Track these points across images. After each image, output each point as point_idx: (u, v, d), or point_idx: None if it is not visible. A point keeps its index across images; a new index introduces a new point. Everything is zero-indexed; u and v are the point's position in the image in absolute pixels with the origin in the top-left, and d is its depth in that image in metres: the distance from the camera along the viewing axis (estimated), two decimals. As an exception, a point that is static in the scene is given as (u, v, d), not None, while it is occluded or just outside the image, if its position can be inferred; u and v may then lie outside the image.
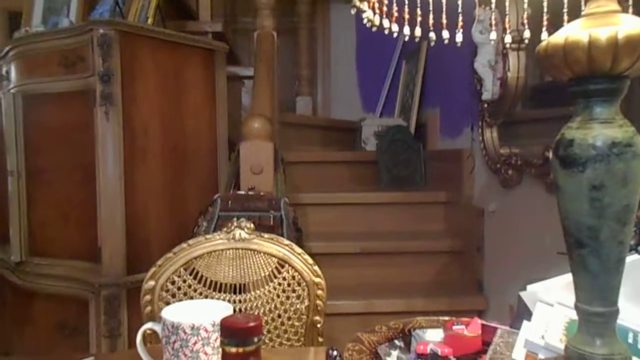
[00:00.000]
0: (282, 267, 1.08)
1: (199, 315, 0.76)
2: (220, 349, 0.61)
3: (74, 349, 1.91)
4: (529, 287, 0.84)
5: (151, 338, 0.93)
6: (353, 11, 0.74)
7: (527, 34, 0.66)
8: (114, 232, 1.84)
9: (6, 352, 2.20)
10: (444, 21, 0.67)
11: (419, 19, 0.69)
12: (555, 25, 0.63)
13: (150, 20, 2.05)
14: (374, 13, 0.72)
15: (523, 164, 1.86)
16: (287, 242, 1.09)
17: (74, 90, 1.91)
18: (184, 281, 1.06)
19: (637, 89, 1.19)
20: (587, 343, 0.61)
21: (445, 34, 0.68)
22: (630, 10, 0.62)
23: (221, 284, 1.08)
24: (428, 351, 0.79)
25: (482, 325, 0.84)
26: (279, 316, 1.08)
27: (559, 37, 0.58)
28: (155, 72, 1.97)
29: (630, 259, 0.71)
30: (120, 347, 1.84)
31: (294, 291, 1.08)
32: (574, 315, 0.65)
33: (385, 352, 0.82)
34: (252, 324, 0.60)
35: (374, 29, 0.73)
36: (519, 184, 1.93)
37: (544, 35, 0.63)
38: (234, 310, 0.89)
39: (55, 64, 1.94)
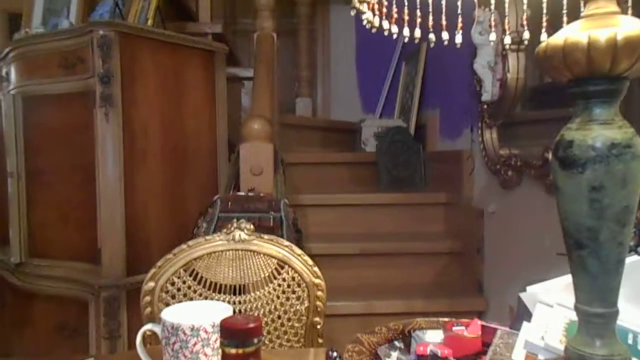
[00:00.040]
0: (282, 268, 1.08)
1: (199, 316, 0.76)
2: (220, 350, 0.61)
3: (73, 351, 1.91)
4: (528, 288, 0.84)
5: (151, 339, 0.93)
6: (353, 12, 0.75)
7: (526, 35, 0.66)
8: (114, 233, 1.84)
9: (6, 354, 2.19)
10: (444, 22, 0.67)
11: (418, 20, 0.69)
12: (554, 26, 0.63)
13: (150, 22, 2.05)
14: (374, 14, 0.72)
15: (523, 165, 1.86)
16: (287, 243, 1.09)
17: (73, 91, 1.91)
18: (184, 282, 1.06)
19: (636, 90, 1.19)
20: (586, 344, 0.61)
21: (445, 35, 0.68)
22: (630, 11, 0.63)
23: (221, 285, 1.08)
24: (428, 352, 0.79)
25: (482, 326, 0.84)
26: (279, 317, 1.08)
27: (559, 39, 0.58)
28: (155, 73, 1.98)
29: (630, 260, 0.71)
30: (120, 348, 1.83)
31: (293, 292, 1.08)
32: (573, 316, 0.65)
33: (385, 353, 0.82)
34: (251, 325, 0.60)
35: (374, 30, 0.73)
36: (519, 185, 1.93)
37: (544, 36, 0.63)
38: (234, 312, 0.89)
39: (55, 66, 1.94)
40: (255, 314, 1.07)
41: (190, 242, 1.08)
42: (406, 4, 0.69)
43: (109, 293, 1.82)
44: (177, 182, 2.04)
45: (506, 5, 0.64)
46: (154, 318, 1.01)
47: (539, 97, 1.88)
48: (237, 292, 1.08)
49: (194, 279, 1.07)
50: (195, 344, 0.73)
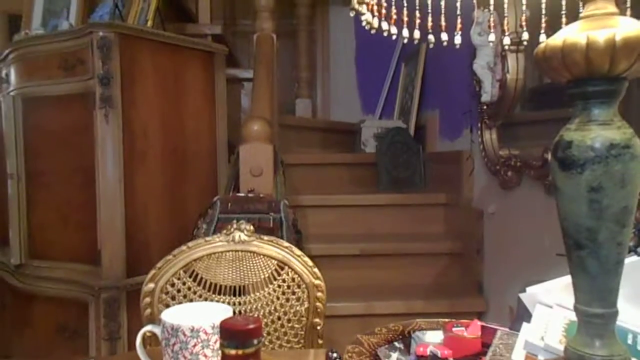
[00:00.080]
0: (282, 269, 1.08)
1: (199, 317, 0.76)
2: (219, 351, 0.61)
3: (73, 352, 1.91)
4: (528, 288, 0.84)
5: (151, 340, 0.93)
6: (352, 14, 0.75)
7: (525, 36, 0.66)
8: (114, 234, 1.84)
9: (6, 355, 2.19)
10: (443, 23, 0.67)
11: (417, 21, 0.69)
12: (553, 27, 0.64)
13: (149, 23, 2.05)
14: (373, 15, 0.72)
15: (522, 166, 1.87)
16: (286, 244, 1.09)
17: (73, 92, 1.91)
18: (184, 283, 1.06)
19: (635, 91, 1.19)
20: (586, 344, 0.61)
21: (444, 36, 0.68)
22: (628, 12, 0.63)
23: (221, 286, 1.08)
24: (428, 353, 0.79)
25: (482, 326, 0.84)
26: (279, 318, 1.08)
27: (557, 39, 0.58)
28: (155, 74, 1.98)
29: (629, 260, 0.71)
30: (120, 349, 1.83)
31: (293, 293, 1.08)
32: (573, 316, 0.65)
33: (385, 354, 0.82)
34: (251, 326, 0.60)
35: (373, 31, 0.73)
36: (518, 185, 1.93)
37: (543, 37, 0.63)
38: (234, 313, 0.89)
39: (55, 67, 1.94)
40: (255, 315, 1.07)
41: (190, 243, 1.08)
42: (405, 5, 0.69)
43: (109, 294, 1.82)
44: (177, 183, 2.04)
45: (505, 6, 0.64)
46: (154, 319, 1.01)
47: (539, 98, 1.88)
48: (237, 293, 1.08)
49: (194, 280, 1.07)
50: (195, 345, 0.73)
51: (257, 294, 1.08)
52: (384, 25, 0.72)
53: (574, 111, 0.61)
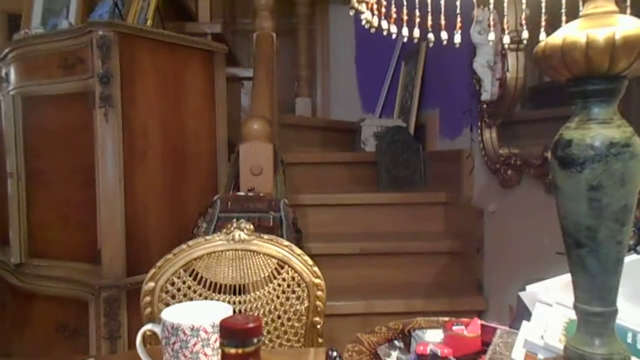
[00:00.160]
0: (282, 268, 1.08)
1: (199, 316, 0.76)
2: (219, 350, 0.61)
3: (73, 351, 1.91)
4: (528, 287, 0.84)
5: (151, 339, 0.93)
6: (352, 12, 0.75)
7: (525, 34, 0.66)
8: (114, 233, 1.84)
9: (6, 354, 2.19)
10: (443, 22, 0.67)
11: (417, 20, 0.69)
12: (553, 25, 0.63)
13: (149, 22, 2.05)
14: (373, 14, 0.72)
15: (522, 165, 1.87)
16: (286, 243, 1.09)
17: (73, 92, 1.91)
18: (184, 282, 1.06)
19: (635, 90, 1.19)
20: (586, 343, 0.61)
21: (444, 34, 0.68)
22: (628, 11, 0.63)
23: (221, 285, 1.08)
24: (428, 352, 0.79)
25: (482, 325, 0.84)
26: (279, 317, 1.08)
27: (557, 38, 0.58)
28: (155, 73, 1.98)
29: (629, 259, 0.71)
30: (120, 348, 1.84)
31: (293, 292, 1.08)
32: (573, 315, 0.66)
33: (385, 352, 0.82)
34: (251, 325, 0.60)
35: (373, 30, 0.73)
36: (518, 184, 1.93)
37: (542, 35, 0.63)
38: (234, 312, 0.89)
39: (55, 66, 1.94)
40: (255, 314, 1.07)
41: (190, 242, 1.08)
42: (405, 3, 0.69)
43: (109, 293, 1.82)
44: (177, 182, 2.04)
45: (505, 4, 0.64)
46: (154, 318, 1.01)
47: (538, 97, 1.88)
48: (237, 292, 1.08)
49: (194, 279, 1.07)
50: (195, 344, 0.73)
51: (257, 292, 1.08)
52: (384, 24, 0.72)
53: (573, 110, 0.61)
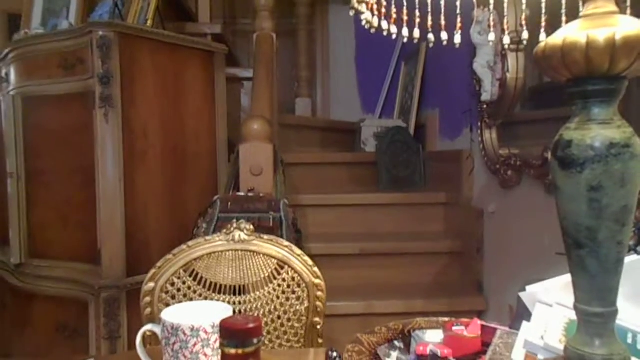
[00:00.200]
0: (282, 268, 1.08)
1: (199, 316, 0.76)
2: (219, 351, 0.61)
3: (73, 351, 1.91)
4: (528, 288, 0.84)
5: (151, 340, 0.93)
6: (352, 13, 0.75)
7: (525, 35, 0.66)
8: (114, 234, 1.84)
9: (6, 354, 2.19)
10: (443, 22, 0.67)
11: (417, 20, 0.69)
12: (553, 26, 0.63)
13: (149, 22, 2.05)
14: (373, 15, 0.72)
15: (522, 165, 1.87)
16: (286, 243, 1.09)
17: (73, 92, 1.91)
18: (184, 283, 1.06)
19: (635, 90, 1.19)
20: (586, 343, 0.61)
21: (444, 35, 0.68)
22: (628, 11, 0.63)
23: (221, 285, 1.08)
24: (428, 352, 0.79)
25: (482, 326, 0.84)
26: (279, 317, 1.08)
27: (557, 38, 0.58)
28: (155, 74, 1.98)
29: (629, 259, 0.71)
30: (120, 349, 1.83)
31: (293, 292, 1.08)
32: (573, 315, 0.66)
33: (385, 353, 0.82)
34: (251, 326, 0.60)
35: (373, 30, 0.73)
36: (518, 184, 1.93)
37: (542, 36, 0.63)
38: (234, 312, 0.89)
39: (55, 66, 1.94)
40: (255, 314, 1.07)
41: (190, 243, 1.08)
42: (405, 4, 0.69)
43: (109, 294, 1.82)
44: (177, 183, 2.04)
45: (505, 5, 0.64)
46: (154, 318, 1.01)
47: (539, 97, 1.88)
48: (237, 292, 1.08)
49: (194, 280, 1.07)
50: (195, 345, 0.73)
51: (257, 293, 1.08)
52: (384, 25, 0.72)
53: (573, 110, 0.61)
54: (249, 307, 1.08)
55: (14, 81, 2.08)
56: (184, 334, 0.73)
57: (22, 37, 2.10)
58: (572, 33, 0.57)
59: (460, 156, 2.40)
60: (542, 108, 1.87)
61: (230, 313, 0.79)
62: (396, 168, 2.89)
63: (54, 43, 1.95)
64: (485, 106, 2.09)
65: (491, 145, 2.11)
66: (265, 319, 1.07)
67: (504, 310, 1.95)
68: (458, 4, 0.66)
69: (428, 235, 2.51)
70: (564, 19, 0.64)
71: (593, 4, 0.59)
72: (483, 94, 2.05)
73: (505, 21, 0.66)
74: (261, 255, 1.09)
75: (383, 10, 0.71)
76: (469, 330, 0.83)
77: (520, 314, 0.83)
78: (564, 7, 0.64)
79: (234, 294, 1.08)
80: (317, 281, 1.07)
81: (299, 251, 1.09)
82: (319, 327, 1.08)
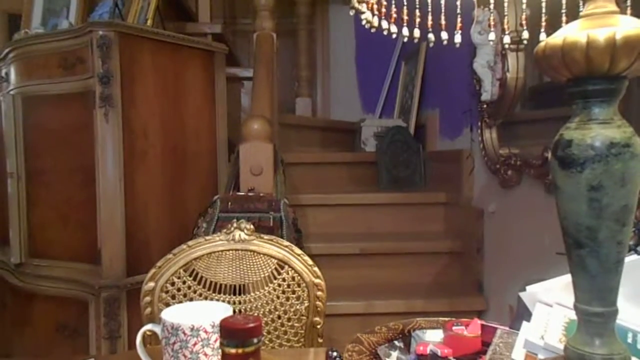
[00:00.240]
0: (282, 268, 1.08)
1: (199, 316, 0.76)
2: (219, 350, 0.61)
3: (74, 351, 1.91)
4: (528, 287, 0.84)
5: (151, 339, 0.93)
6: (352, 12, 0.75)
7: (525, 34, 0.66)
8: (114, 233, 1.84)
9: (6, 354, 2.19)
10: (443, 22, 0.67)
11: (417, 20, 0.69)
12: (553, 26, 0.63)
13: (149, 22, 2.05)
14: (373, 14, 0.72)
15: (522, 165, 1.87)
16: (286, 243, 1.09)
17: (73, 91, 1.91)
18: (184, 282, 1.06)
19: (635, 90, 1.19)
20: (586, 343, 0.61)
21: (444, 35, 0.68)
22: (629, 11, 0.63)
23: (221, 285, 1.08)
24: (428, 352, 0.79)
25: (482, 325, 0.84)
26: (279, 317, 1.08)
27: (557, 38, 0.58)
28: (155, 73, 1.98)
29: (629, 259, 0.71)
30: (120, 348, 1.83)
31: (293, 292, 1.08)
32: (573, 315, 0.66)
33: (385, 352, 0.82)
34: (251, 325, 0.60)
35: (373, 30, 0.73)
36: (519, 184, 1.93)
37: (543, 36, 0.63)
38: (234, 311, 0.89)
39: (55, 66, 1.94)
40: (255, 314, 1.07)
41: (190, 242, 1.08)
42: (405, 3, 0.69)
43: (109, 293, 1.82)
44: (177, 182, 2.04)
45: (505, 4, 0.64)
46: (154, 318, 1.01)
47: (539, 97, 1.88)
48: (237, 292, 1.08)
49: (194, 279, 1.07)
50: (195, 344, 0.73)
51: (257, 292, 1.08)
52: (384, 24, 0.72)
53: (574, 110, 0.61)
54: (249, 306, 1.08)
55: (14, 81, 2.08)
56: (184, 333, 0.73)
57: (22, 36, 2.10)
58: (572, 33, 0.57)
59: (460, 156, 2.40)
60: (542, 108, 1.87)
61: (230, 313, 0.79)
62: (396, 168, 2.89)
63: (54, 43, 1.95)
64: (485, 106, 2.09)
65: (491, 145, 2.11)
66: (265, 319, 1.07)
67: (504, 310, 1.95)
68: (458, 3, 0.66)
69: (428, 235, 2.51)
70: (564, 18, 0.64)
71: (593, 3, 0.59)
72: (483, 94, 2.05)
73: (506, 21, 0.66)
74: (261, 255, 1.09)
75: (383, 9, 0.71)
76: (469, 330, 0.83)
77: (520, 313, 0.83)
78: (564, 6, 0.64)
79: (234, 294, 1.08)
80: (317, 281, 1.07)
81: (299, 251, 1.09)
82: (319, 326, 1.08)
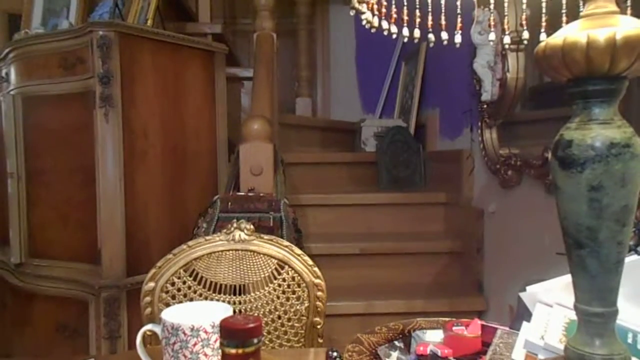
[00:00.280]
0: (282, 268, 1.08)
1: (199, 316, 0.76)
2: (219, 350, 0.61)
3: (74, 351, 1.91)
4: (528, 288, 0.84)
5: (151, 339, 0.93)
6: (352, 13, 0.75)
7: (525, 35, 0.66)
8: (114, 233, 1.84)
9: (6, 354, 2.19)
10: (443, 22, 0.67)
11: (417, 20, 0.69)
12: (553, 26, 0.63)
13: (149, 22, 2.05)
14: (373, 14, 0.72)
15: (522, 165, 1.86)
16: (286, 243, 1.09)
17: (73, 92, 1.91)
18: (184, 282, 1.06)
19: (636, 90, 1.19)
20: (586, 343, 0.61)
21: (444, 35, 0.68)
22: (629, 11, 0.63)
23: (221, 285, 1.08)
24: (428, 352, 0.79)
25: (482, 325, 0.84)
26: (279, 317, 1.08)
27: (558, 38, 0.58)
28: (155, 73, 1.98)
29: (629, 259, 0.71)
30: (120, 348, 1.83)
31: (293, 292, 1.08)
32: (573, 315, 0.66)
33: (385, 353, 0.82)
34: (251, 325, 0.60)
35: (373, 30, 0.73)
36: (519, 184, 1.93)
37: (543, 36, 0.63)
38: (234, 312, 0.89)
39: (55, 66, 1.94)
40: (255, 314, 1.07)
41: (190, 242, 1.08)
42: (405, 4, 0.69)
43: (109, 293, 1.82)
44: (177, 182, 2.04)
45: (505, 5, 0.64)
46: (154, 318, 1.01)
47: (539, 97, 1.88)
48: (237, 292, 1.08)
49: (194, 279, 1.07)
50: (195, 344, 0.73)
51: (257, 293, 1.08)
52: (384, 24, 0.72)
53: (574, 110, 0.61)
54: (249, 307, 1.08)
55: (14, 81, 2.08)
56: (184, 333, 0.73)
57: (22, 36, 2.10)
58: (572, 33, 0.57)
59: (460, 156, 2.40)
60: (542, 108, 1.87)
61: (230, 313, 0.79)
62: (396, 168, 2.89)
63: (54, 43, 1.95)
64: (485, 106, 2.09)
65: (491, 145, 2.11)
66: (265, 319, 1.07)
67: (504, 310, 1.95)
68: (458, 3, 0.66)
69: (428, 235, 2.51)
70: (564, 18, 0.64)
71: (593, 3, 0.59)
72: (483, 94, 2.05)
73: (506, 21, 0.66)
74: (261, 255, 1.09)
75: (383, 10, 0.71)
76: (469, 330, 0.83)
77: (520, 314, 0.83)
78: (564, 7, 0.64)
79: (234, 294, 1.08)
80: (317, 281, 1.07)
81: (299, 251, 1.09)
82: (319, 326, 1.08)
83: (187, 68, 2.09)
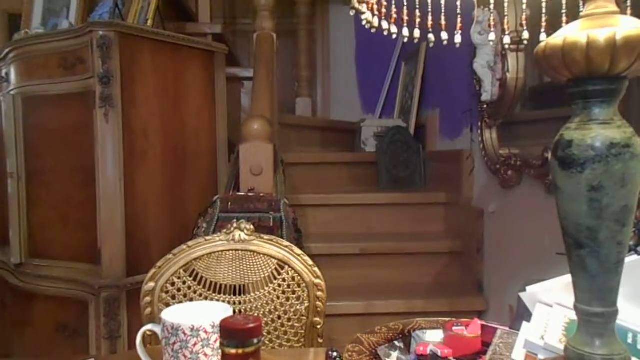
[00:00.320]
0: (282, 268, 1.08)
1: (199, 316, 0.76)
2: (219, 351, 0.61)
3: (74, 351, 1.91)
4: (528, 288, 0.84)
5: (151, 339, 0.93)
6: (352, 13, 0.75)
7: (525, 35, 0.66)
8: (114, 233, 1.84)
9: (6, 354, 2.19)
10: (443, 22, 0.67)
11: (417, 20, 0.69)
12: (553, 26, 0.63)
13: (149, 22, 2.05)
14: (373, 15, 0.72)
15: (522, 165, 1.87)
16: (286, 243, 1.09)
17: (73, 92, 1.91)
18: (184, 283, 1.06)
19: (636, 90, 1.19)
20: (586, 343, 0.61)
21: (444, 35, 0.68)
22: (629, 11, 0.63)
23: (221, 285, 1.08)
24: (428, 352, 0.79)
25: (482, 326, 0.84)
26: (279, 317, 1.08)
27: (558, 38, 0.58)
28: (155, 73, 1.98)
29: (629, 259, 0.71)
30: (120, 348, 1.84)
31: (293, 292, 1.08)
32: (573, 315, 0.66)
33: (385, 353, 0.82)
34: (251, 325, 0.60)
35: (373, 30, 0.73)
36: (519, 184, 1.93)
37: (543, 36, 0.63)
38: (234, 312, 0.89)
39: (55, 66, 1.94)
40: (255, 314, 1.07)
41: (190, 243, 1.08)
42: (405, 4, 0.69)
43: (109, 293, 1.82)
44: (177, 183, 2.04)
45: (505, 5, 0.64)
46: (154, 318, 1.01)
47: (539, 97, 1.88)
48: (237, 292, 1.08)
49: (194, 279, 1.07)
50: (195, 344, 0.73)
51: (257, 293, 1.08)
52: (384, 25, 0.72)
53: (574, 110, 0.61)
54: (249, 307, 1.08)
55: (14, 81, 2.08)
56: (184, 333, 0.73)
57: (22, 36, 2.10)
58: (572, 33, 0.57)
59: (460, 156, 2.40)
60: (542, 108, 1.87)
61: (230, 313, 0.79)
62: (396, 168, 2.89)
63: (54, 43, 1.95)
64: (485, 106, 2.09)
65: (491, 145, 2.11)
66: (265, 319, 1.07)
67: (504, 310, 1.95)
68: (458, 4, 0.66)
69: (428, 235, 2.51)
70: (564, 19, 0.64)
71: (593, 3, 0.59)
72: (483, 94, 2.05)
73: (506, 21, 0.66)
74: (261, 255, 1.09)
75: (383, 10, 0.71)
76: (469, 330, 0.83)
77: (520, 314, 0.83)
78: (564, 7, 0.64)
79: (234, 294, 1.08)
80: (317, 281, 1.07)
81: (299, 251, 1.09)
82: (319, 327, 1.08)
83: (187, 68, 2.09)
